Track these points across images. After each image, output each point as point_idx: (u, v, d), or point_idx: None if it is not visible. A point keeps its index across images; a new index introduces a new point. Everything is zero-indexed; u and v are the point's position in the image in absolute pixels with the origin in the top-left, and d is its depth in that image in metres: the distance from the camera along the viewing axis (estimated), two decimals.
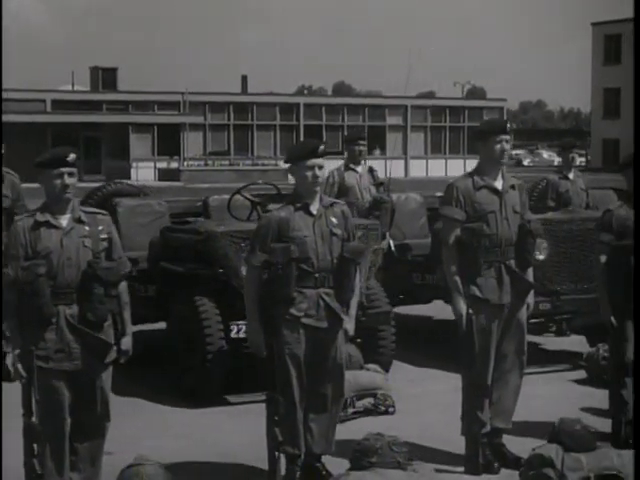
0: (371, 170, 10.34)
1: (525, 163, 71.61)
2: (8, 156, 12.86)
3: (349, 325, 6.15)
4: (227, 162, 51.97)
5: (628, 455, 6.25)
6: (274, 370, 6.03)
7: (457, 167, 47.58)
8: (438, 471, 6.41)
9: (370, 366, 8.29)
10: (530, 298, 6.70)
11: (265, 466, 6.09)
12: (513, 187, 6.64)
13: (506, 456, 6.62)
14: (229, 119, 53.46)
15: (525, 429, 7.13)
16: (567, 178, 10.98)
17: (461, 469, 6.54)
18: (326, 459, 6.28)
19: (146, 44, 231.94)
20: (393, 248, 10.27)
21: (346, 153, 10.52)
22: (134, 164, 49.79)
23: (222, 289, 8.07)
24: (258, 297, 6.01)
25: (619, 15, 61.64)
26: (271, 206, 6.17)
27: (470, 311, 6.45)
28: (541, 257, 8.68)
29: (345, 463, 6.01)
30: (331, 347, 6.10)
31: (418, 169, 55.60)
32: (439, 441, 7.02)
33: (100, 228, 5.58)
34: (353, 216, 8.72)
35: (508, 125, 6.69)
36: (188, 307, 8.19)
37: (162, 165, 50.84)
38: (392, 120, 57.21)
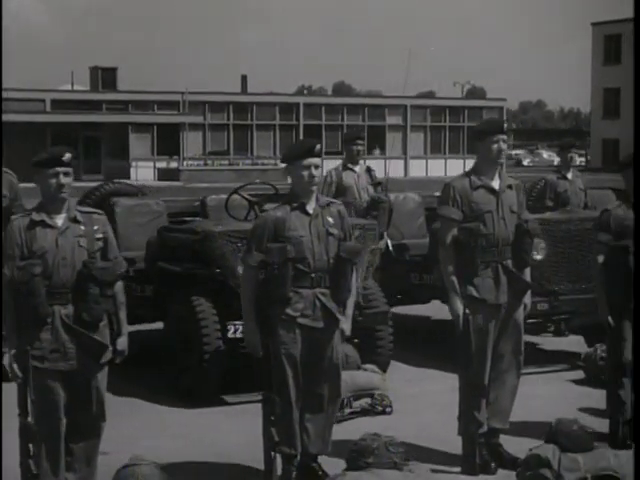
0: (369, 170, 10.33)
1: (525, 163, 71.61)
2: (7, 156, 12.84)
3: (345, 325, 6.13)
4: (227, 162, 51.96)
5: (625, 455, 6.25)
6: (270, 370, 6.02)
7: (457, 167, 47.57)
8: (435, 471, 6.40)
9: (367, 366, 8.28)
10: (527, 298, 6.69)
11: (262, 466, 6.08)
12: (510, 187, 6.63)
13: (503, 456, 6.61)
14: (229, 119, 53.46)
15: (523, 429, 7.12)
16: (565, 178, 10.99)
17: (458, 469, 6.53)
18: (323, 459, 6.27)
19: (146, 44, 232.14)
20: (391, 248, 10.27)
21: (344, 153, 10.51)
22: (134, 164, 49.78)
23: (219, 289, 8.06)
24: (254, 297, 6.00)
25: (619, 15, 61.68)
26: (267, 206, 6.17)
27: (467, 311, 6.44)
28: (539, 257, 8.68)
29: (342, 463, 6.02)
30: (327, 347, 6.09)
31: (418, 169, 55.60)
32: (436, 441, 7.02)
33: (95, 228, 5.57)
34: (351, 216, 8.74)
35: (505, 125, 6.68)
36: (185, 307, 8.19)
37: (162, 165, 50.82)
38: (392, 120, 57.20)
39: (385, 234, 9.99)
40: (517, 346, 6.66)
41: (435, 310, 11.04)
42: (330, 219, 6.08)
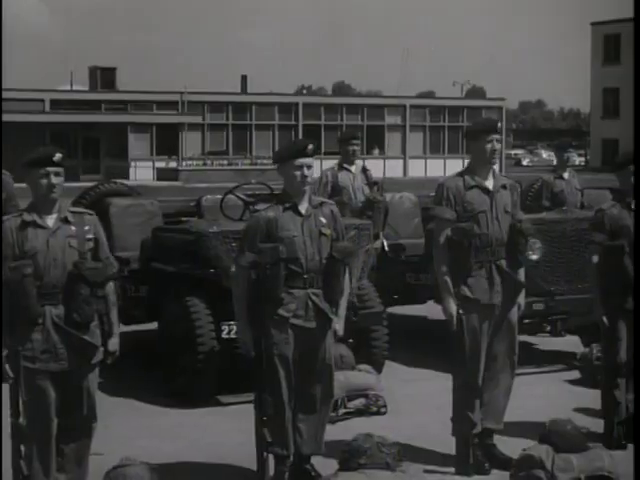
0: (364, 170, 10.30)
1: (524, 163, 71.57)
2: (6, 155, 12.80)
3: (338, 325, 6.13)
4: (226, 162, 51.96)
5: (620, 456, 6.24)
6: (263, 370, 6.01)
7: (456, 167, 47.07)
8: (428, 472, 6.40)
9: (362, 367, 8.26)
10: (521, 298, 6.68)
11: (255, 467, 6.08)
12: (504, 187, 6.61)
13: (497, 457, 6.60)
14: (228, 119, 53.44)
15: (519, 429, 7.10)
16: (562, 178, 10.98)
17: (452, 470, 6.51)
18: (316, 460, 6.26)
19: (145, 44, 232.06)
20: (387, 248, 10.26)
21: (340, 153, 10.49)
22: (133, 164, 49.78)
23: (213, 289, 8.04)
24: (246, 297, 5.99)
25: (618, 15, 61.68)
26: (260, 206, 6.15)
27: (461, 311, 6.42)
28: (535, 257, 8.66)
29: (335, 464, 5.98)
30: (320, 347, 6.08)
31: (417, 169, 55.56)
32: (431, 441, 7.00)
33: (86, 228, 5.55)
34: (346, 216, 8.72)
35: (499, 124, 6.66)
36: (180, 307, 8.17)
37: (161, 165, 50.82)
38: (391, 120, 57.17)
39: (381, 234, 9.98)
40: (511, 346, 6.65)
41: (431, 310, 11.01)
42: (323, 219, 6.06)
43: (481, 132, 6.53)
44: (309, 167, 5.97)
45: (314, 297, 5.99)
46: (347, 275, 6.18)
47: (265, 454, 6.01)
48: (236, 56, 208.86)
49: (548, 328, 10.63)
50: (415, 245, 10.34)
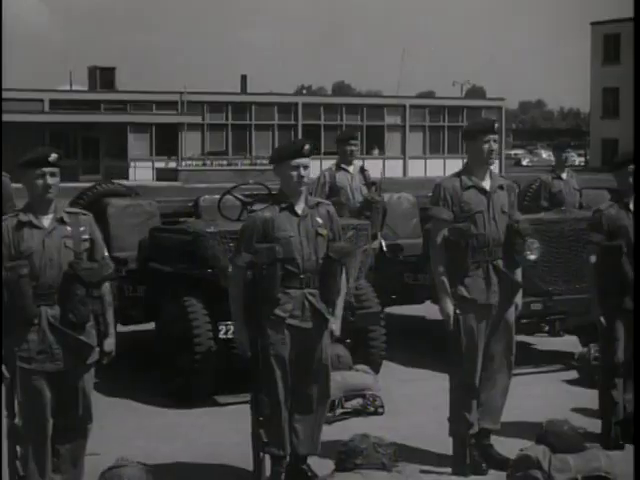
0: (362, 170, 10.28)
1: (524, 163, 71.58)
2: (6, 156, 12.79)
3: (335, 325, 6.12)
4: (225, 162, 51.95)
5: (617, 456, 6.23)
6: (259, 370, 6.00)
7: (456, 167, 46.58)
8: (425, 472, 6.39)
9: (359, 367, 8.25)
10: (518, 298, 6.67)
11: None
12: (501, 187, 6.61)
13: (494, 457, 6.59)
14: (227, 119, 53.44)
15: (516, 430, 7.10)
16: (560, 178, 10.97)
17: (449, 470, 6.50)
18: (312, 460, 6.25)
19: (145, 44, 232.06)
20: (385, 248, 10.25)
21: (338, 153, 10.47)
22: (132, 164, 49.78)
23: (211, 289, 8.03)
24: (242, 297, 5.98)
25: (618, 15, 61.67)
26: (256, 206, 6.15)
27: (458, 311, 6.42)
28: (533, 257, 8.63)
29: (332, 464, 5.98)
30: (316, 348, 6.07)
31: (417, 169, 55.55)
32: (428, 442, 7.00)
33: (82, 229, 5.54)
34: (344, 216, 8.71)
35: (496, 125, 6.65)
36: (177, 307, 8.17)
37: (160, 165, 50.81)
38: (391, 120, 57.17)
39: (379, 234, 9.96)
40: (508, 346, 6.64)
41: (429, 310, 11.01)
42: (319, 219, 6.06)
43: (478, 132, 6.53)
44: (306, 167, 5.97)
45: (311, 297, 5.98)
46: (344, 275, 6.18)
47: (261, 454, 6.01)
48: (236, 56, 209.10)
49: (546, 328, 10.63)
50: (413, 245, 10.34)
